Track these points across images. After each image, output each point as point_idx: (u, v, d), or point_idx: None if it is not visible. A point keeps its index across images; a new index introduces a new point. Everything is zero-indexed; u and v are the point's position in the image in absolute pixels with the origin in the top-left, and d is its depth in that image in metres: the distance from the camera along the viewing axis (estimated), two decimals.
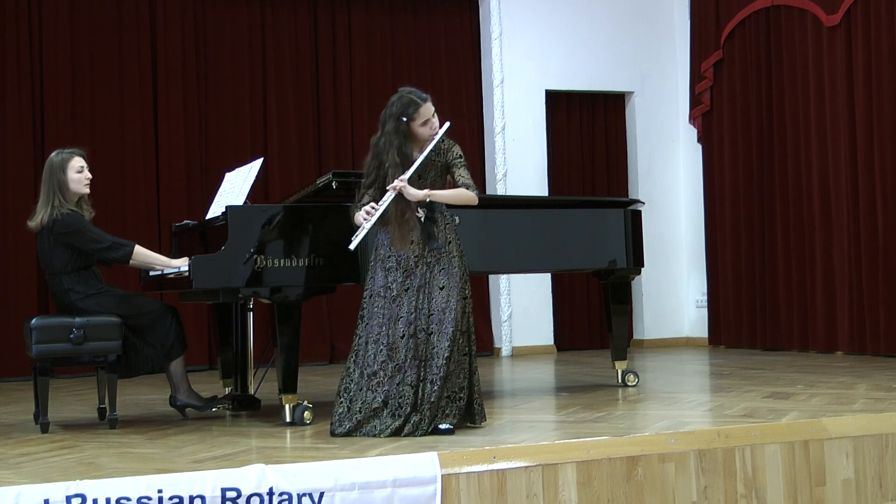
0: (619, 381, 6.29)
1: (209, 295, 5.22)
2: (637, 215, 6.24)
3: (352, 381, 4.55)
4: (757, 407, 5.03)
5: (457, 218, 5.40)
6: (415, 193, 4.51)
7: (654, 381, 6.64)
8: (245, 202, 5.12)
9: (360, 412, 4.49)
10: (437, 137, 4.58)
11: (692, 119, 9.98)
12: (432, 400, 4.43)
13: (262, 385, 5.82)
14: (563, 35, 9.82)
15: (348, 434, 4.47)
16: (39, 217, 5.14)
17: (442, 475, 3.70)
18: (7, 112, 8.36)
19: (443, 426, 4.47)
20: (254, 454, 4.15)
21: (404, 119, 4.57)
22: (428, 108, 4.59)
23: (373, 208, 4.53)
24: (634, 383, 6.26)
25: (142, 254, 5.12)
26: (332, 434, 4.51)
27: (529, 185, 9.52)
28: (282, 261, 4.89)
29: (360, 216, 4.58)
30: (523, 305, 9.55)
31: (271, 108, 9.14)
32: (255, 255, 4.83)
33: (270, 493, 3.49)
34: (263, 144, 9.05)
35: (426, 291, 4.50)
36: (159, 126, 8.81)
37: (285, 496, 3.50)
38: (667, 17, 10.19)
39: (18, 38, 8.43)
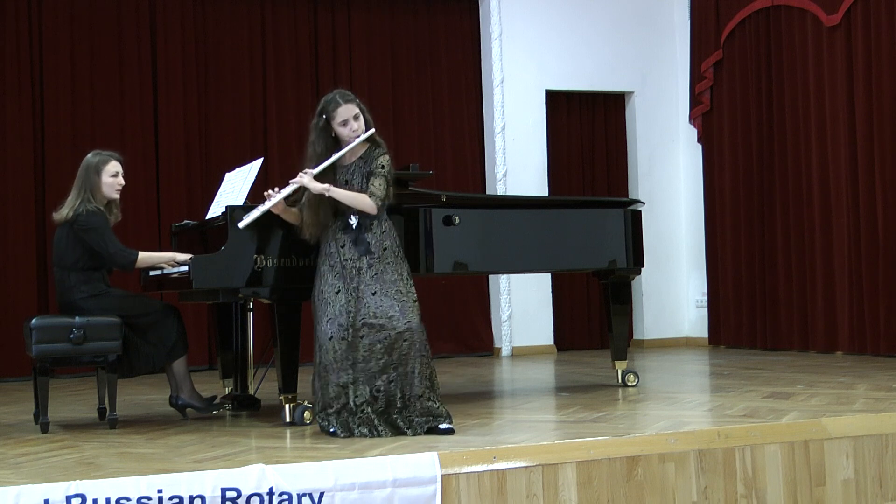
0: (619, 381, 6.28)
1: (209, 295, 5.22)
2: (637, 215, 6.24)
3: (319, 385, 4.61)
4: (757, 407, 5.03)
5: (457, 218, 5.41)
6: (315, 186, 4.56)
7: (654, 381, 6.64)
8: (245, 202, 5.12)
9: (320, 408, 4.56)
10: (357, 141, 4.61)
11: (692, 119, 9.98)
12: (366, 397, 4.45)
13: (262, 385, 5.82)
14: (563, 35, 9.82)
15: (328, 432, 4.51)
16: (66, 211, 5.15)
17: (442, 475, 3.70)
18: (7, 112, 8.36)
19: (443, 426, 4.47)
20: (254, 454, 4.15)
21: (324, 117, 4.64)
22: (347, 110, 4.61)
23: (273, 192, 4.62)
24: (634, 383, 6.26)
25: (146, 259, 5.16)
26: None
27: (529, 185, 9.52)
28: (282, 261, 4.90)
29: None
30: (523, 305, 9.55)
31: (271, 108, 9.14)
32: (256, 256, 4.84)
33: (270, 493, 3.49)
34: (263, 144, 9.05)
35: (354, 296, 4.51)
36: (159, 126, 8.81)
37: (285, 496, 3.50)
38: (667, 17, 10.19)
39: (18, 38, 8.43)
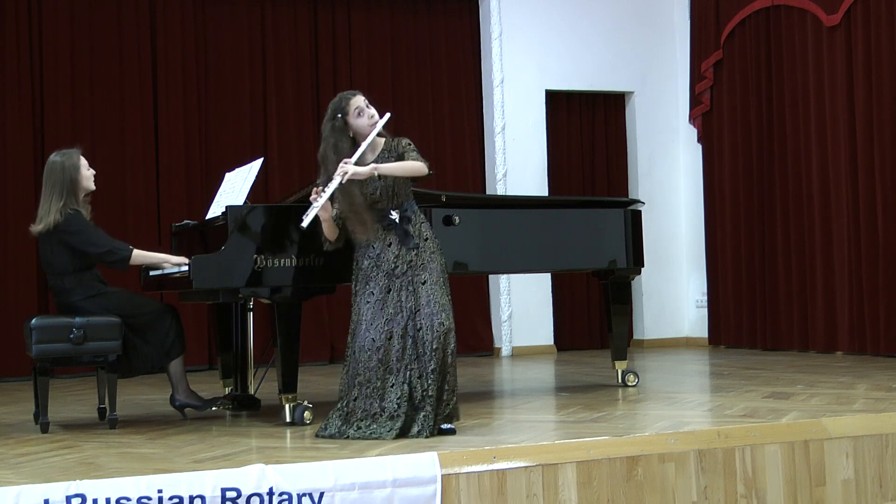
0: (619, 381, 6.28)
1: (209, 295, 5.21)
2: (637, 215, 6.24)
3: (346, 391, 4.52)
4: (757, 407, 5.03)
5: (457, 218, 5.41)
6: (361, 171, 4.48)
7: (654, 381, 6.64)
8: (245, 202, 5.12)
9: (361, 420, 4.44)
10: (380, 125, 4.61)
11: (692, 119, 9.98)
12: (431, 395, 4.41)
13: (262, 385, 5.82)
14: (563, 35, 9.82)
15: (337, 436, 4.43)
16: (46, 220, 5.08)
17: (442, 475, 3.70)
18: (7, 112, 8.36)
19: (445, 426, 4.47)
20: (254, 454, 4.15)
21: (339, 115, 4.62)
22: (358, 99, 4.64)
23: (322, 190, 4.52)
24: (634, 383, 6.26)
25: (139, 256, 5.12)
26: (317, 436, 4.49)
27: (529, 185, 9.52)
28: (282, 261, 4.89)
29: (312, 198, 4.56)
30: (523, 305, 9.55)
31: (271, 108, 9.14)
32: (256, 256, 4.85)
33: (270, 493, 3.49)
34: (263, 144, 9.05)
35: (411, 290, 4.50)
36: (159, 126, 8.81)
37: (285, 496, 3.50)
38: (667, 17, 10.19)
39: (18, 38, 8.43)
